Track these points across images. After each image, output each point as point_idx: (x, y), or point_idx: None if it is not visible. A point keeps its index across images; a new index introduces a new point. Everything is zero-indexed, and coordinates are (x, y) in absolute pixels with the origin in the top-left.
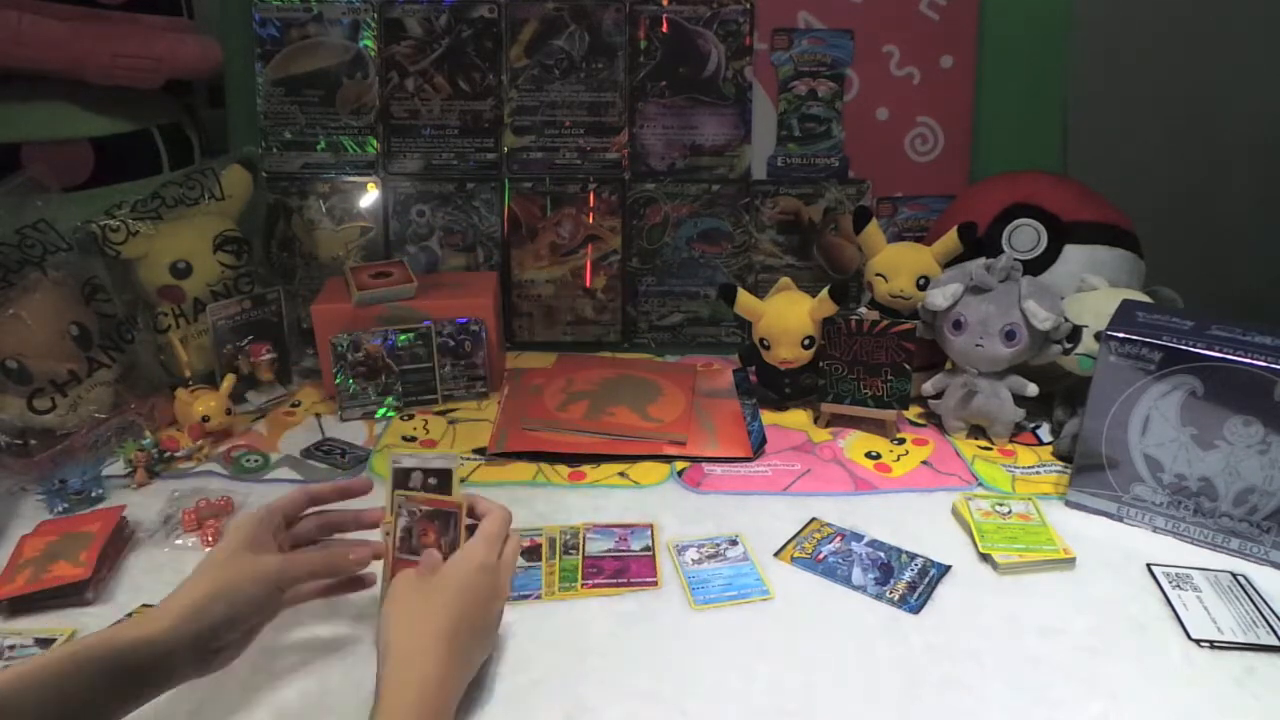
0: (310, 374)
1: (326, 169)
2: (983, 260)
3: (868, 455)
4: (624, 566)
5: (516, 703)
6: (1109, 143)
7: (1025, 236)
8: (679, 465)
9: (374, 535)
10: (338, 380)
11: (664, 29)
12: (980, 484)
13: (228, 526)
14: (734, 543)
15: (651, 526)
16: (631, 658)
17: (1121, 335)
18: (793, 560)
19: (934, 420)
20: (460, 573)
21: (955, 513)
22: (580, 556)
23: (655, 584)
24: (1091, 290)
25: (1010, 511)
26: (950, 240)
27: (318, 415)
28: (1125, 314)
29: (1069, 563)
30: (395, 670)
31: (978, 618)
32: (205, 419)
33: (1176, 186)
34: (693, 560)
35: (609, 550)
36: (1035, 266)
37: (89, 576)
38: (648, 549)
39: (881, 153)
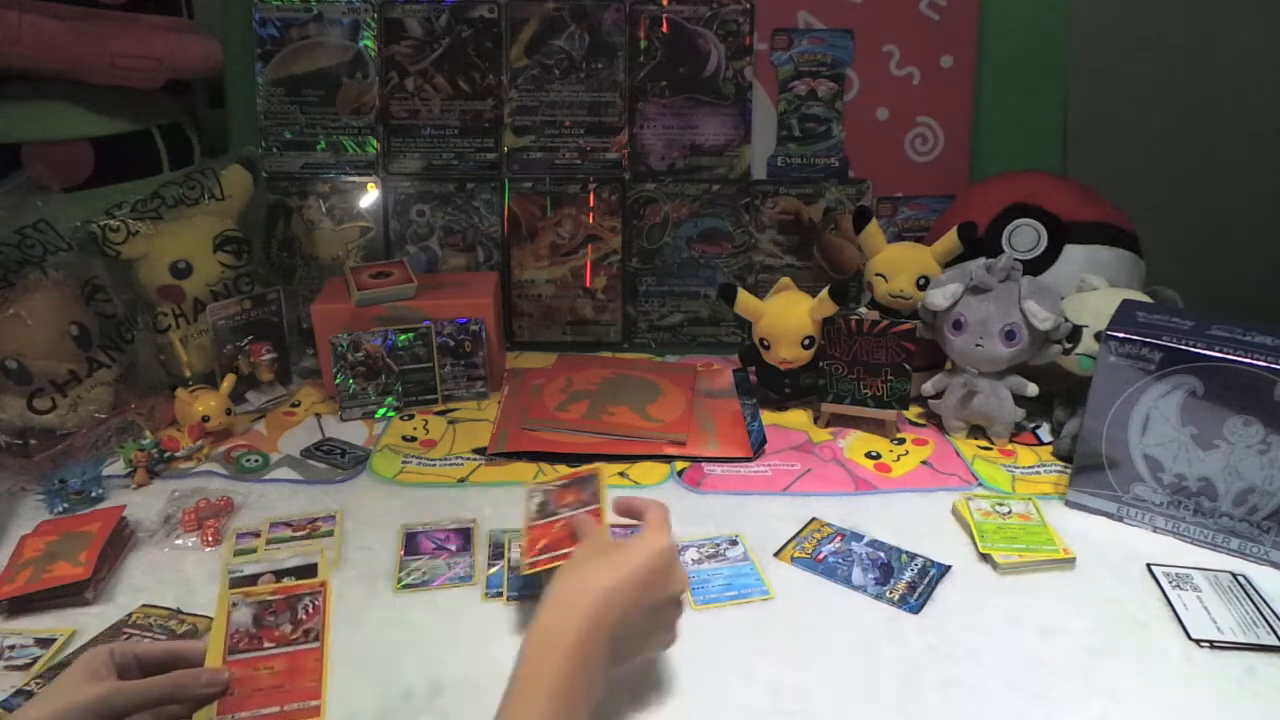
0: (310, 374)
1: (326, 169)
2: (983, 260)
3: (868, 455)
4: None
5: None
6: (1109, 143)
7: (1025, 236)
8: (679, 465)
9: None
10: (338, 380)
11: (664, 29)
12: (980, 484)
13: (226, 529)
14: (734, 543)
15: None
16: None
17: (1121, 335)
18: (793, 560)
19: (934, 420)
20: (639, 549)
21: (955, 513)
22: None
23: None
24: (1091, 290)
25: (1010, 511)
26: (950, 240)
27: (318, 415)
28: (1125, 314)
29: (1069, 563)
30: (548, 614)
31: (978, 618)
32: (205, 419)
33: (1176, 187)
34: (693, 560)
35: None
36: (1035, 266)
37: (89, 576)
38: None
39: (881, 153)
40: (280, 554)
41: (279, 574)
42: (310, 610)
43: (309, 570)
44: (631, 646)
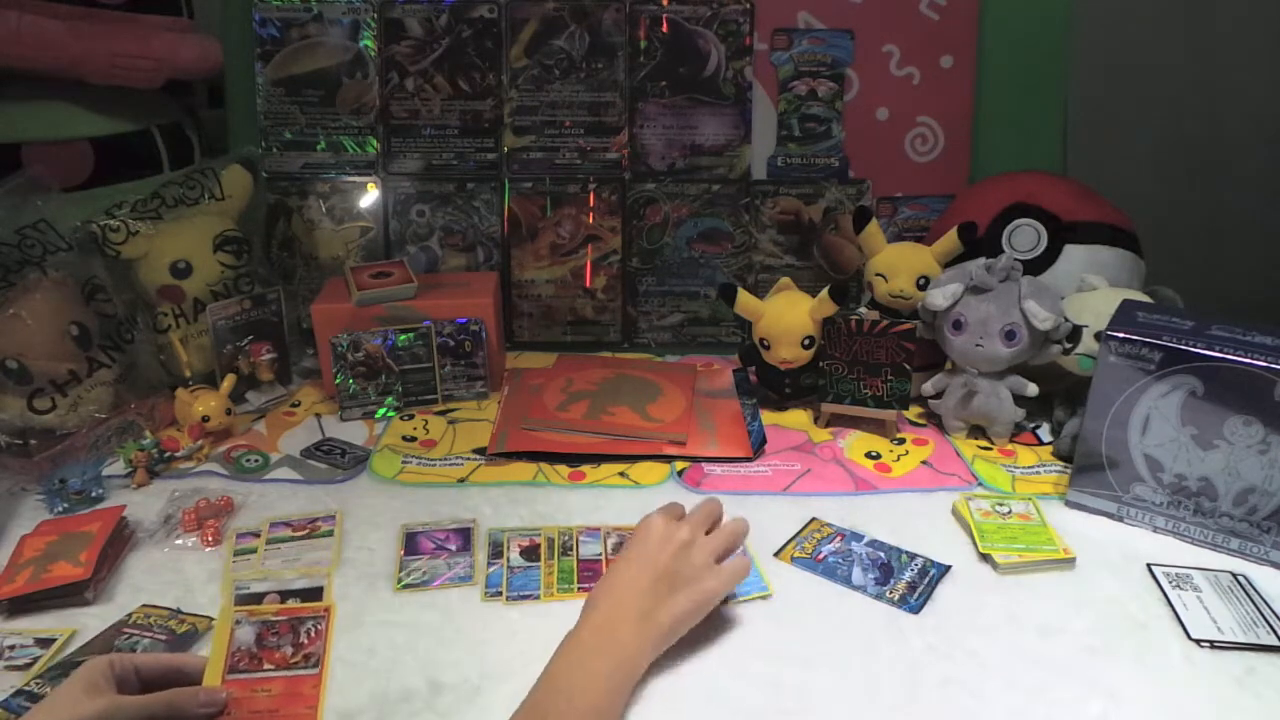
0: (310, 374)
1: (326, 169)
2: (983, 260)
3: (868, 455)
4: None
5: (518, 703)
6: (1109, 143)
7: (1025, 236)
8: (679, 465)
9: None
10: (338, 380)
11: (664, 29)
12: (980, 484)
13: (226, 529)
14: None
15: None
16: None
17: (1121, 335)
18: (793, 560)
19: (934, 420)
20: (630, 540)
21: (955, 513)
22: (575, 559)
23: None
24: (1091, 290)
25: (1010, 511)
26: (950, 240)
27: (318, 415)
28: (1125, 314)
29: (1069, 563)
30: (591, 607)
31: (978, 618)
32: (205, 419)
33: (1176, 186)
34: None
35: (601, 553)
36: (1035, 266)
37: (89, 576)
38: None
39: (881, 153)
40: (286, 573)
41: (284, 594)
42: (313, 635)
43: (315, 593)
44: (673, 613)
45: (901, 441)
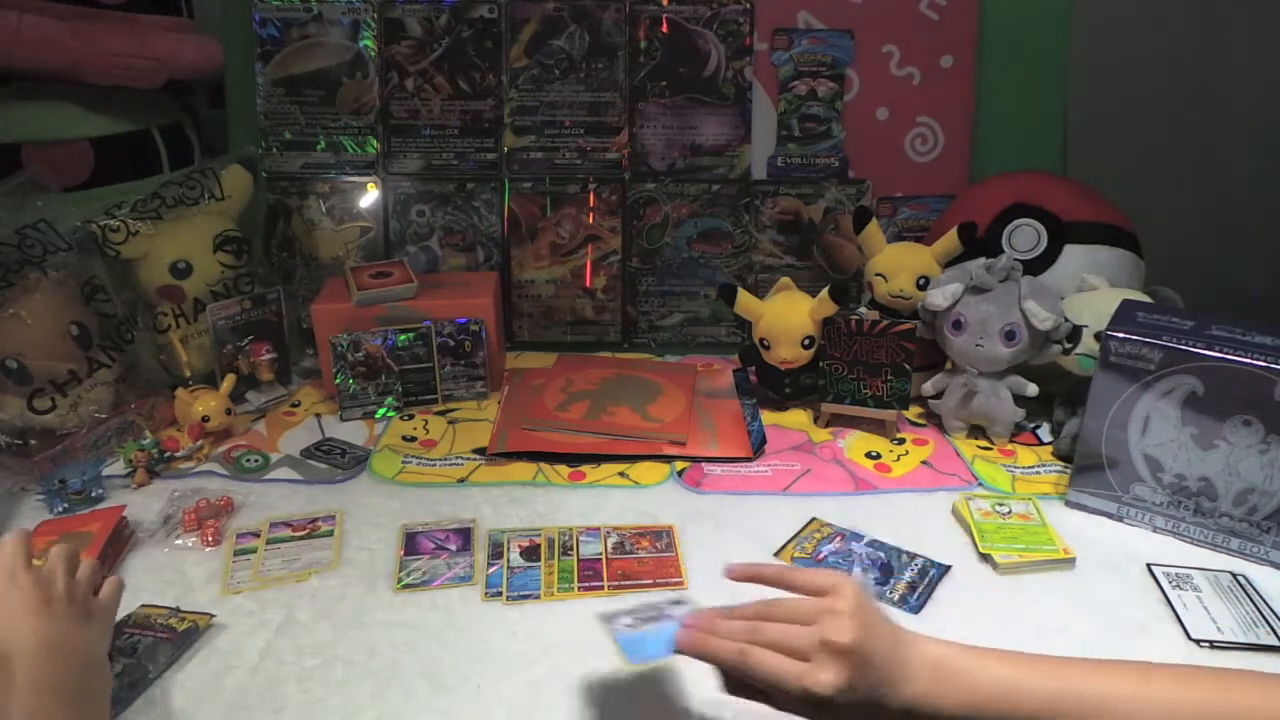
0: (310, 374)
1: (326, 169)
2: (983, 260)
3: (868, 455)
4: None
5: (518, 703)
6: (1109, 143)
7: (1025, 236)
8: (679, 465)
9: None
10: (338, 380)
11: (664, 29)
12: (980, 484)
13: (226, 529)
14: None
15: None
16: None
17: (1121, 335)
18: (793, 560)
19: (934, 420)
20: None
21: (955, 513)
22: (575, 559)
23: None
24: (1091, 290)
25: (1010, 511)
26: (950, 240)
27: (318, 415)
28: (1125, 314)
29: (1069, 563)
30: None
31: (978, 618)
32: (205, 419)
33: (1176, 186)
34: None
35: (601, 553)
36: (1035, 266)
37: None
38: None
39: (881, 153)
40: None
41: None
42: None
43: None
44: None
45: (901, 441)
